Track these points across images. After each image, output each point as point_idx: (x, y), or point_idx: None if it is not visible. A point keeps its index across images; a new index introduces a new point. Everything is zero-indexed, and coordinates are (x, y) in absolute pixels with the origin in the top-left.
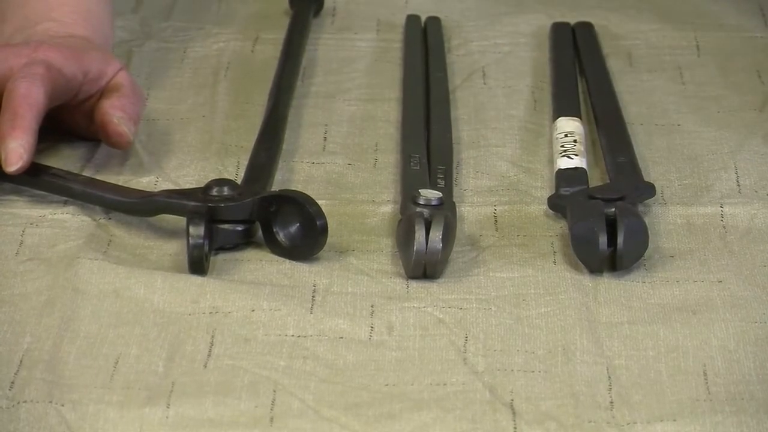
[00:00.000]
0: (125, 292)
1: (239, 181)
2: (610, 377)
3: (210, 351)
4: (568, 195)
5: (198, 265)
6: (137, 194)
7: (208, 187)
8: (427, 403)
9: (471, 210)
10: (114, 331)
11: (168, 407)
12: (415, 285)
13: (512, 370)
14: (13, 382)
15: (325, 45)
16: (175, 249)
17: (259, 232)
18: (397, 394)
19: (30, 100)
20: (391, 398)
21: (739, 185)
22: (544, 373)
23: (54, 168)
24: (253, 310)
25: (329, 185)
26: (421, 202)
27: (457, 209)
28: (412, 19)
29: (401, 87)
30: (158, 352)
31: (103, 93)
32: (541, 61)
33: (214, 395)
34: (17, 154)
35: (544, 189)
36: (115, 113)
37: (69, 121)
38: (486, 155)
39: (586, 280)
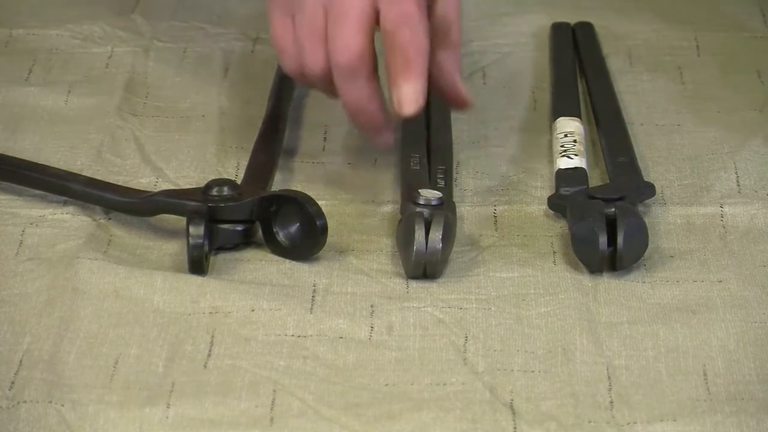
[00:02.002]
0: (125, 292)
1: (239, 181)
2: (609, 377)
3: (210, 351)
4: (568, 195)
5: (198, 265)
6: (137, 194)
7: (208, 187)
8: (427, 403)
9: (471, 210)
10: (114, 331)
11: (168, 407)
12: (415, 285)
13: (512, 370)
14: (13, 382)
15: None
16: (175, 249)
17: (259, 232)
18: (397, 394)
19: (417, 45)
20: (391, 398)
21: (739, 185)
22: (544, 373)
23: (54, 168)
24: (253, 310)
25: (329, 185)
26: (421, 202)
27: (457, 209)
28: None
29: None
30: (158, 352)
31: (433, 32)
32: (541, 61)
33: (214, 395)
34: (412, 97)
35: (544, 189)
36: (456, 77)
37: None
38: (486, 155)
39: (586, 280)
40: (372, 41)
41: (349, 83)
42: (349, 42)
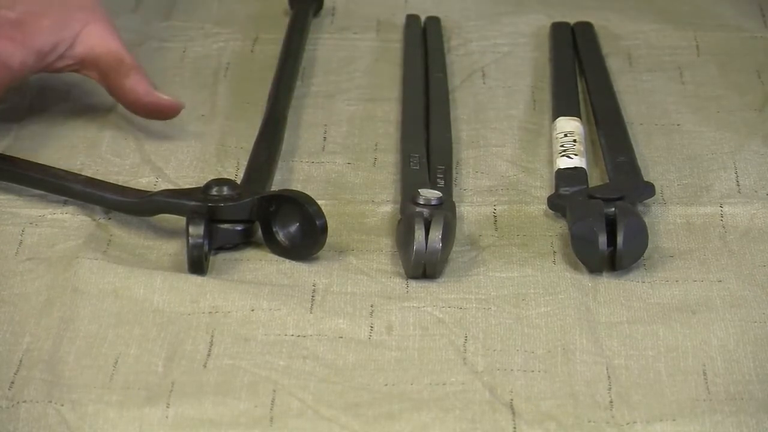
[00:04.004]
0: (125, 292)
1: (239, 181)
2: (609, 377)
3: (210, 351)
4: (568, 195)
5: (198, 265)
6: (137, 194)
7: (208, 186)
8: (427, 403)
9: (471, 210)
10: (114, 331)
11: (168, 407)
12: (414, 285)
13: (512, 370)
14: (12, 382)
15: (324, 45)
16: (174, 249)
17: (259, 232)
18: (396, 394)
19: None
20: (390, 398)
21: (738, 185)
22: (544, 373)
23: (54, 168)
24: (252, 310)
25: (329, 185)
26: (421, 202)
27: (456, 209)
28: (411, 19)
29: (401, 87)
30: (158, 352)
31: (103, 71)
32: (541, 61)
33: (213, 395)
34: None
35: (543, 189)
36: (148, 92)
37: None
38: (486, 155)
39: (586, 279)
40: None
41: None
42: None
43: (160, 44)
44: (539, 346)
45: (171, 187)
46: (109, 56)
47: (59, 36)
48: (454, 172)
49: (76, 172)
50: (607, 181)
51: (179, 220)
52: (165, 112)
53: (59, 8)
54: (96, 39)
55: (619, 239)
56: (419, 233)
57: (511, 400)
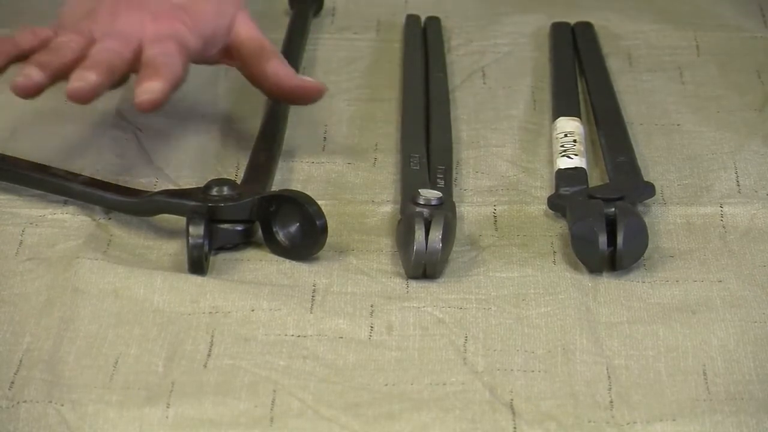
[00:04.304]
0: (125, 291)
1: (239, 181)
2: (609, 377)
3: (210, 351)
4: (568, 195)
5: (198, 265)
6: (137, 194)
7: (208, 186)
8: (427, 403)
9: (471, 210)
10: (114, 331)
11: (168, 407)
12: (414, 285)
13: (512, 370)
14: (12, 382)
15: (324, 45)
16: (175, 249)
17: (259, 232)
18: (396, 394)
19: (168, 63)
20: (390, 398)
21: (738, 185)
22: (544, 373)
23: (54, 168)
24: (253, 310)
25: (329, 185)
26: (421, 202)
27: (456, 209)
28: (411, 19)
29: (401, 87)
30: (158, 352)
31: (245, 58)
32: (541, 61)
33: (213, 395)
34: (148, 89)
35: (543, 189)
36: (291, 75)
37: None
38: (486, 155)
39: (586, 279)
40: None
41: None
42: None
43: None
44: (539, 346)
45: (171, 187)
46: (251, 43)
47: (219, 23)
48: (454, 172)
49: (76, 172)
50: (607, 181)
51: (179, 220)
52: (310, 95)
53: None
54: (242, 26)
55: (619, 239)
56: (419, 233)
57: (511, 400)
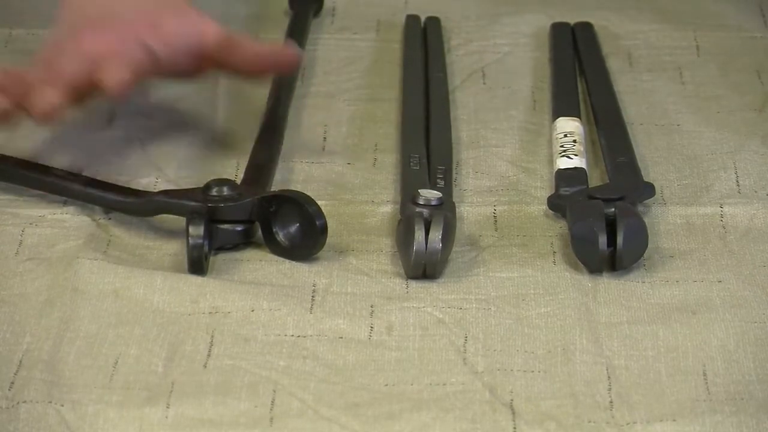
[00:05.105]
0: (125, 292)
1: (239, 181)
2: (609, 377)
3: (210, 351)
4: (568, 195)
5: (198, 265)
6: (137, 194)
7: (208, 187)
8: (427, 403)
9: (471, 210)
10: (114, 331)
11: (168, 407)
12: (414, 285)
13: (512, 370)
14: (12, 382)
15: (324, 45)
16: (175, 249)
17: (259, 232)
18: (396, 394)
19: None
20: (390, 398)
21: (738, 185)
22: (544, 373)
23: (54, 168)
24: (252, 310)
25: (329, 185)
26: (421, 202)
27: (456, 209)
28: (411, 20)
29: (401, 87)
30: (158, 352)
31: (222, 48)
32: (541, 61)
33: (213, 395)
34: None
35: (543, 189)
36: (262, 47)
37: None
38: (486, 155)
39: (586, 280)
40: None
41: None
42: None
43: None
44: (539, 347)
45: (171, 187)
46: (219, 35)
47: (190, 35)
48: (454, 172)
49: (76, 172)
50: (607, 181)
51: (179, 221)
52: (286, 61)
53: (179, 5)
54: (205, 25)
55: (619, 239)
56: (419, 233)
57: (511, 400)
